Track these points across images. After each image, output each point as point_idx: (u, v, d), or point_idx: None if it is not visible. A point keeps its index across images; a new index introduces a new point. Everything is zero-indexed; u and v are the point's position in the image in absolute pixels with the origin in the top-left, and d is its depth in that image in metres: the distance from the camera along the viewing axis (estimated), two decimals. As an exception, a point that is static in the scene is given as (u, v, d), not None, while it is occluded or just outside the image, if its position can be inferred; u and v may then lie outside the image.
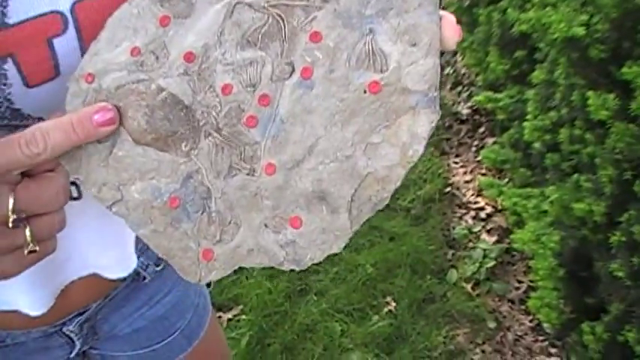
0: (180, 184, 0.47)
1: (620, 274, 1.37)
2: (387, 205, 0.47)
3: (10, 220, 0.46)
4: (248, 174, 0.46)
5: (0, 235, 0.46)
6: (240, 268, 0.48)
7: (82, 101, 0.49)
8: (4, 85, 0.52)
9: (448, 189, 2.49)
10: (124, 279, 0.80)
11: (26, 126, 0.53)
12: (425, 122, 0.43)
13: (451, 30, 0.44)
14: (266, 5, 0.46)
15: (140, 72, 0.48)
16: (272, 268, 0.47)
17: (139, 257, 0.80)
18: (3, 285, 0.57)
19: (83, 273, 0.73)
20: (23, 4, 0.50)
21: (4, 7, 0.49)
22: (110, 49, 0.48)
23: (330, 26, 0.44)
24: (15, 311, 0.70)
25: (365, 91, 0.44)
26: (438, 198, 2.45)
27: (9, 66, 0.51)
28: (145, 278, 0.84)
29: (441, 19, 0.44)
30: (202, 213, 0.47)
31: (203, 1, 0.47)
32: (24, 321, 0.71)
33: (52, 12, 0.51)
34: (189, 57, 0.47)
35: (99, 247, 0.71)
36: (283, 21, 0.45)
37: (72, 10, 0.52)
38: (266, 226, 0.47)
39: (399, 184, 0.44)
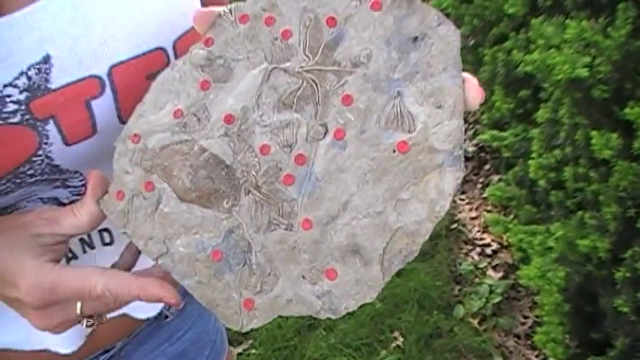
0: (222, 239, 0.50)
1: (625, 309, 1.39)
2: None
3: (83, 322, 0.53)
4: (286, 229, 0.49)
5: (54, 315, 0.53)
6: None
7: (128, 160, 0.52)
8: (46, 143, 0.56)
9: (455, 225, 2.51)
10: (147, 318, 0.82)
11: (64, 180, 0.58)
12: (451, 179, 0.46)
13: (474, 92, 0.46)
14: (300, 70, 0.49)
15: (183, 133, 0.51)
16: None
17: None
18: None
19: (114, 314, 0.75)
20: (64, 70, 0.54)
21: (47, 73, 0.53)
22: (154, 111, 0.52)
23: (361, 90, 0.47)
24: (45, 350, 0.72)
25: (394, 151, 0.47)
26: (444, 234, 2.47)
27: (50, 126, 0.55)
28: (167, 317, 0.86)
29: (464, 81, 0.46)
30: (244, 265, 0.50)
31: (241, 67, 0.50)
32: (56, 356, 0.73)
33: (90, 76, 0.56)
34: (229, 119, 0.50)
35: None
36: (317, 85, 0.48)
37: (109, 74, 0.56)
38: (303, 277, 0.49)
39: (427, 237, 0.47)
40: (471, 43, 2.48)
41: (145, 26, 0.58)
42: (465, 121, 0.51)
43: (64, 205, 0.62)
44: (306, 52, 0.49)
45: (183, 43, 0.59)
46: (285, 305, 0.50)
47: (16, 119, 0.53)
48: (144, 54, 0.58)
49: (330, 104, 0.48)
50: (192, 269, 0.51)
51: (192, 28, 0.56)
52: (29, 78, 0.53)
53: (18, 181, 0.56)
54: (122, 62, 0.57)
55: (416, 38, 0.46)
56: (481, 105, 2.44)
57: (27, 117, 0.54)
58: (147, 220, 0.52)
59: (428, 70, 0.46)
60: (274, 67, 0.49)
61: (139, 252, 0.56)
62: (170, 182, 0.51)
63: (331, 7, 0.48)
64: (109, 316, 0.67)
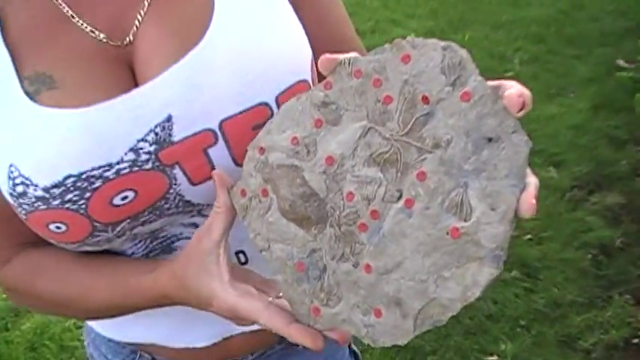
0: (306, 255, 0.60)
1: None
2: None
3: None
4: (353, 265, 0.57)
5: None
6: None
7: (253, 166, 0.62)
8: (175, 184, 0.68)
9: (636, 340, 2.31)
10: (280, 342, 0.91)
11: (198, 209, 0.72)
12: (486, 274, 0.51)
13: (526, 205, 0.50)
14: (391, 137, 0.55)
15: (295, 159, 0.60)
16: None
17: None
18: (180, 328, 0.81)
19: (251, 327, 0.82)
20: (183, 126, 0.66)
21: (170, 130, 0.66)
22: (278, 132, 0.61)
23: (434, 170, 0.52)
24: (185, 349, 0.84)
25: (447, 233, 0.52)
26: (622, 346, 2.29)
27: (177, 171, 0.68)
28: (297, 345, 0.92)
29: (523, 190, 0.50)
30: (318, 281, 0.59)
31: (348, 117, 0.57)
32: (194, 355, 0.85)
33: (204, 130, 0.67)
34: (329, 160, 0.58)
35: None
36: (401, 154, 0.54)
37: (220, 127, 0.67)
38: (357, 307, 0.58)
39: (455, 313, 0.53)
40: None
41: (249, 86, 0.67)
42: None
43: None
44: (400, 121, 0.54)
45: (286, 96, 0.67)
46: (340, 322, 0.59)
47: (149, 166, 0.66)
48: (249, 109, 0.67)
49: (408, 174, 0.54)
50: (282, 269, 0.62)
51: (294, 83, 0.69)
52: (156, 134, 0.66)
53: (158, 212, 0.69)
54: (230, 117, 0.67)
55: (491, 139, 0.51)
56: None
57: (157, 164, 0.67)
58: (258, 220, 0.62)
59: (493, 172, 0.50)
60: (371, 127, 0.56)
61: None
62: (277, 197, 0.61)
63: (428, 86, 0.52)
64: (245, 329, 0.81)
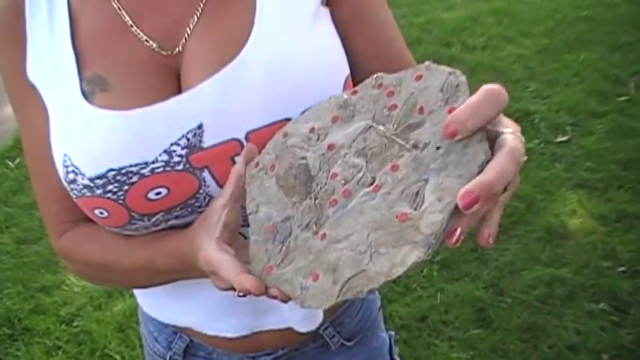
0: (281, 220, 0.66)
1: None
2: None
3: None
4: (312, 234, 0.64)
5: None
6: None
7: (273, 146, 0.71)
8: (204, 185, 0.75)
9: None
10: (314, 341, 0.97)
11: None
12: (414, 256, 0.55)
13: (461, 192, 0.52)
14: (383, 134, 0.63)
15: (305, 143, 0.68)
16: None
17: (327, 328, 0.98)
18: (213, 316, 0.89)
19: (280, 326, 0.91)
20: (212, 134, 0.73)
21: (200, 136, 0.73)
22: (303, 122, 0.70)
23: (406, 165, 0.59)
24: (216, 336, 0.92)
25: (396, 217, 0.57)
26: None
27: (206, 174, 0.75)
28: (330, 347, 1.00)
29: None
30: (280, 243, 0.66)
31: (359, 118, 0.66)
32: (226, 343, 0.93)
33: (232, 139, 0.73)
34: (331, 147, 0.66)
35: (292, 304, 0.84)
36: (386, 148, 0.62)
37: (246, 138, 0.73)
38: (301, 270, 0.63)
39: (375, 288, 0.57)
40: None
41: (277, 102, 0.73)
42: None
43: None
44: (395, 123, 0.63)
45: None
46: (283, 282, 0.64)
47: (180, 167, 0.74)
48: (274, 123, 0.73)
49: (385, 165, 0.61)
50: (259, 230, 0.68)
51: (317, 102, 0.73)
52: (188, 139, 0.73)
53: (190, 209, 0.77)
54: (256, 129, 0.73)
55: (460, 146, 0.56)
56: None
57: (187, 166, 0.74)
58: (258, 188, 0.70)
59: (452, 171, 0.55)
60: (372, 125, 0.64)
61: None
62: (279, 167, 0.69)
63: (426, 99, 0.61)
64: (274, 327, 0.89)
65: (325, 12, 0.79)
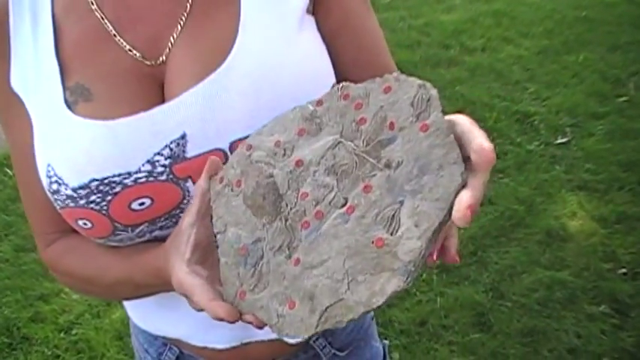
0: (251, 242, 0.65)
1: None
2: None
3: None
4: (285, 258, 0.62)
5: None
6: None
7: (237, 160, 0.68)
8: (188, 196, 0.75)
9: None
10: (305, 352, 0.96)
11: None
12: (394, 285, 0.54)
13: (459, 212, 0.51)
14: (353, 151, 0.61)
15: (271, 158, 0.66)
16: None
17: (318, 339, 0.97)
18: (201, 327, 0.87)
19: (270, 337, 0.89)
20: (196, 144, 0.72)
21: (184, 146, 0.72)
22: (267, 134, 0.67)
23: (380, 185, 0.58)
24: (205, 348, 0.91)
25: (372, 242, 0.56)
26: None
27: (189, 184, 0.74)
28: (321, 358, 0.99)
29: (448, 213, 0.53)
30: (252, 267, 0.64)
31: (326, 131, 0.63)
32: (216, 355, 0.91)
33: (215, 149, 0.73)
34: (298, 163, 0.64)
35: None
36: (357, 167, 0.60)
37: (229, 147, 0.72)
38: (277, 296, 0.62)
39: (355, 317, 0.56)
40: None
41: (260, 112, 0.71)
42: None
43: None
44: (365, 139, 0.60)
45: None
46: (259, 309, 0.63)
47: (164, 177, 0.73)
48: None
49: (357, 185, 0.59)
50: (228, 252, 0.66)
51: None
52: (171, 149, 0.72)
53: (174, 220, 0.76)
54: (239, 139, 0.72)
55: (435, 167, 0.55)
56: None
57: (171, 177, 0.73)
58: (224, 205, 0.68)
59: (427, 195, 0.54)
60: (340, 141, 0.62)
61: None
62: (245, 185, 0.67)
63: (397, 114, 0.59)
64: (264, 338, 0.88)
65: (310, 20, 0.78)
